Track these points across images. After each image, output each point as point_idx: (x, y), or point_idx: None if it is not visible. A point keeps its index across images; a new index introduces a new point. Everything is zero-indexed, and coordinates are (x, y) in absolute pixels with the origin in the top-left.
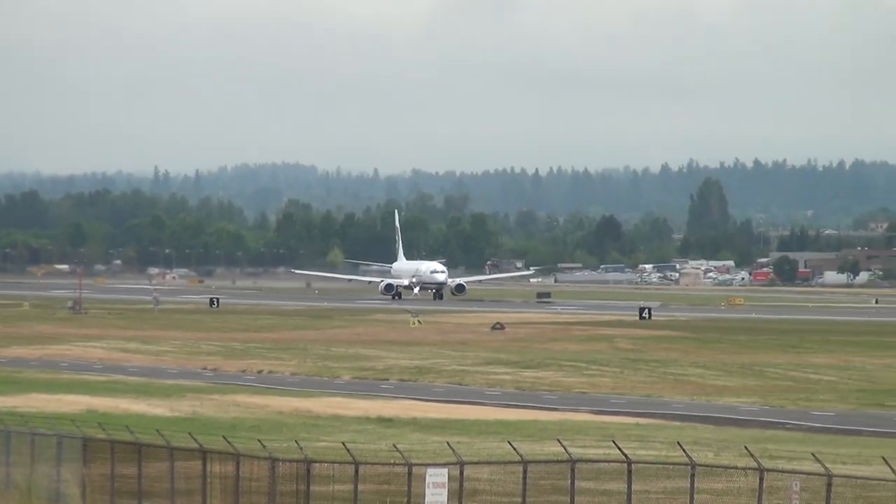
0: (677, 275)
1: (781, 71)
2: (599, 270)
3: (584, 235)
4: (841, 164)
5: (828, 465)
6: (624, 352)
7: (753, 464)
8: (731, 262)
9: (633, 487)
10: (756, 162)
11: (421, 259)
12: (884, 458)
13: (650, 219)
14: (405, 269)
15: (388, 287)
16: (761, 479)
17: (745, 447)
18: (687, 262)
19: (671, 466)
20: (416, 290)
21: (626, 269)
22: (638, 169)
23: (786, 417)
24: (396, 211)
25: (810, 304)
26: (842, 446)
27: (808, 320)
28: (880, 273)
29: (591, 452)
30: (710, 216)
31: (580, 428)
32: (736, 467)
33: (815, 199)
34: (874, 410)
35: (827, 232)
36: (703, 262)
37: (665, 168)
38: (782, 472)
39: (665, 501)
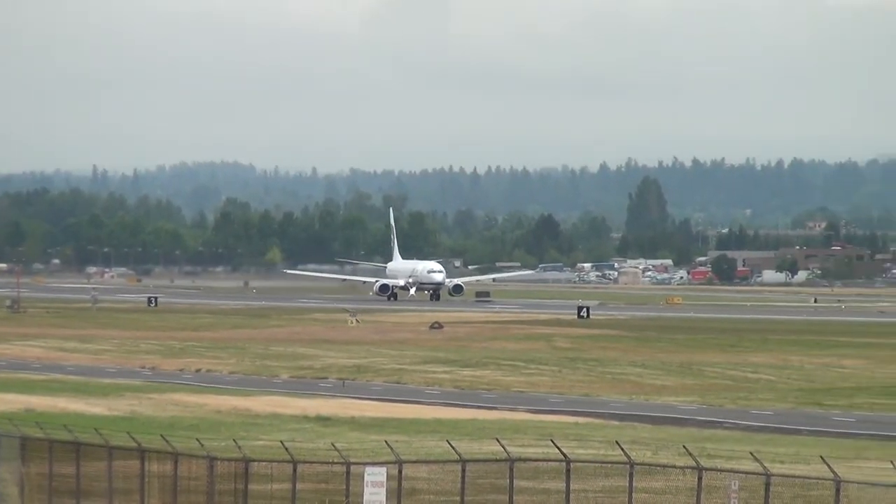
0: (616, 274)
1: (720, 71)
2: (538, 269)
3: (523, 234)
4: (779, 163)
5: (766, 465)
6: (562, 351)
7: (692, 463)
8: (669, 261)
9: (572, 486)
10: (695, 161)
11: (420, 259)
12: (822, 458)
13: (588, 218)
14: (401, 268)
15: (384, 287)
16: (700, 479)
17: (684, 446)
18: (625, 261)
19: (610, 465)
20: (413, 290)
21: (565, 269)
22: (576, 168)
23: (724, 416)
24: (392, 209)
25: (749, 304)
26: (780, 445)
27: (746, 319)
28: (818, 272)
29: (530, 451)
30: (648, 215)
31: (519, 427)
32: (675, 466)
33: (754, 198)
34: (812, 410)
35: (765, 231)
36: (642, 260)
37: (603, 167)
38: (721, 471)
39: (604, 500)
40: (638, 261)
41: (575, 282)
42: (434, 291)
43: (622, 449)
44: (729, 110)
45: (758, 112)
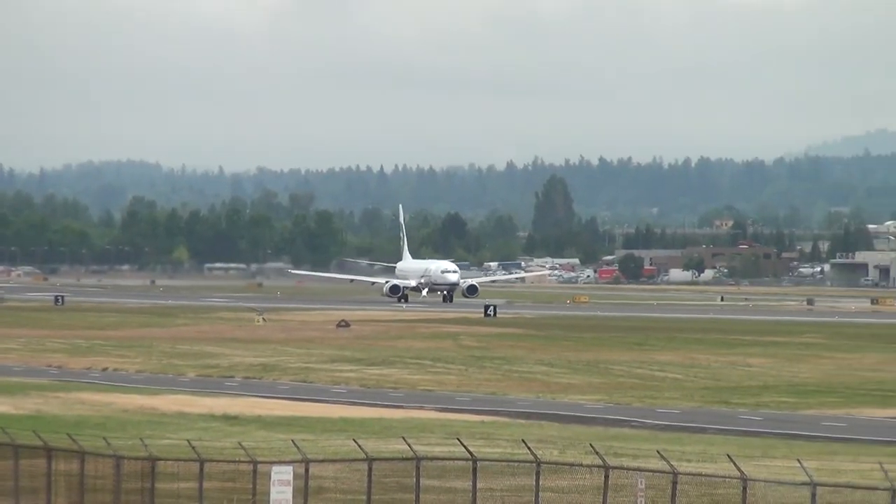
0: (522, 272)
1: (627, 70)
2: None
3: (430, 233)
4: (686, 161)
5: (673, 463)
6: (469, 349)
7: (598, 461)
8: (576, 260)
9: (479, 485)
10: (601, 160)
11: (431, 258)
12: (729, 456)
13: (495, 217)
14: (412, 268)
15: (394, 288)
16: (606, 477)
17: (591, 445)
18: (532, 260)
19: (516, 464)
20: (425, 291)
21: (472, 267)
22: (483, 167)
23: (631, 415)
24: (401, 206)
25: (655, 302)
26: (687, 444)
27: (653, 318)
28: (725, 271)
29: (437, 450)
30: (555, 214)
31: (425, 426)
32: (581, 465)
33: (661, 196)
34: (719, 408)
35: (672, 230)
36: (549, 259)
37: (510, 166)
38: (627, 469)
39: (510, 499)
40: (544, 260)
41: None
42: (448, 293)
43: (529, 448)
44: (636, 109)
45: (665, 111)
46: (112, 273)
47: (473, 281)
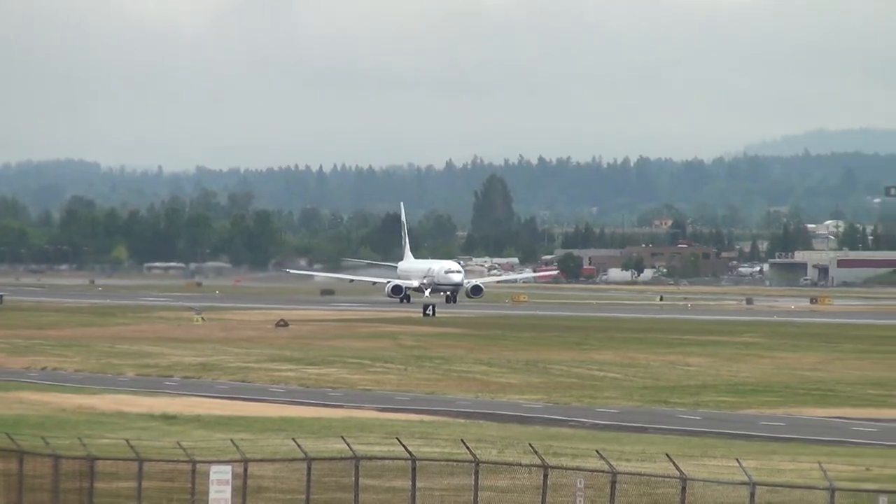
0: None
1: (566, 69)
2: (383, 267)
3: (368, 233)
4: (626, 161)
5: (612, 463)
6: (408, 349)
7: (538, 461)
8: (515, 260)
9: (418, 484)
10: (540, 159)
11: (436, 258)
12: (668, 455)
13: (434, 216)
14: (414, 268)
15: (396, 289)
16: (545, 477)
17: (530, 444)
18: (471, 260)
19: (455, 464)
20: (428, 292)
21: None
22: (422, 166)
23: (570, 414)
24: (402, 204)
25: (595, 302)
26: (626, 443)
27: (592, 317)
28: (664, 270)
29: (376, 449)
30: (494, 213)
31: (364, 425)
32: (520, 464)
33: (600, 196)
34: (658, 407)
35: (611, 229)
36: (488, 259)
37: (449, 165)
38: (566, 469)
39: (449, 498)
40: (483, 259)
41: None
42: (452, 293)
43: (468, 447)
44: (575, 108)
45: (604, 110)
46: (51, 272)
47: (478, 281)
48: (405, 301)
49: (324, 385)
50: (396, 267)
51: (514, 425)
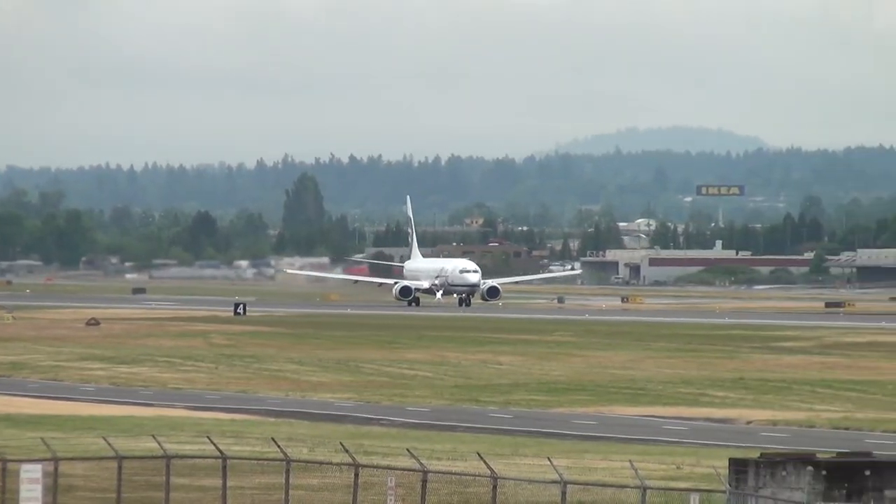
0: (272, 271)
1: (374, 68)
2: (195, 266)
3: (179, 232)
4: (437, 159)
5: (423, 461)
6: (219, 347)
7: (349, 460)
8: (326, 259)
9: (229, 483)
10: (352, 157)
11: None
12: (479, 454)
13: (245, 215)
14: (424, 268)
15: (405, 290)
16: (356, 475)
17: (341, 443)
18: (282, 258)
19: (266, 462)
20: (439, 294)
21: (221, 266)
22: (233, 165)
23: (381, 413)
24: (408, 198)
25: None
26: (437, 442)
27: (403, 315)
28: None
29: (187, 448)
30: (305, 212)
31: (175, 424)
32: (331, 463)
33: (411, 194)
34: (469, 406)
35: (423, 228)
36: (298, 258)
37: (260, 163)
38: (377, 467)
39: (260, 497)
40: (294, 258)
41: (232, 279)
42: (467, 295)
43: (279, 446)
44: (386, 107)
45: (415, 109)
46: None
47: (494, 282)
48: (414, 304)
49: (135, 384)
50: (403, 267)
51: (325, 424)
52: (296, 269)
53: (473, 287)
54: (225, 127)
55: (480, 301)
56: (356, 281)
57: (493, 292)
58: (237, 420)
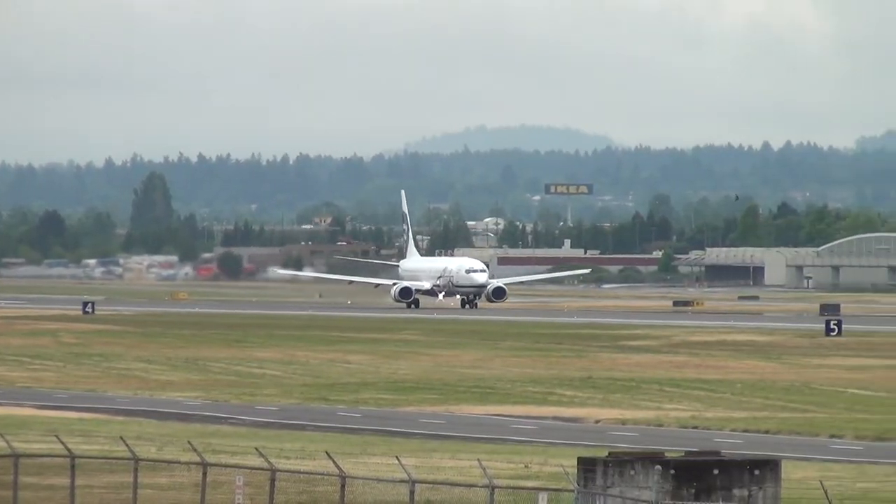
0: (121, 270)
1: (226, 66)
2: (43, 265)
3: (27, 231)
4: (285, 158)
5: (272, 460)
6: (68, 346)
7: (197, 458)
8: (174, 258)
9: (77, 482)
10: (200, 156)
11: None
12: (327, 453)
13: (94, 214)
14: (424, 268)
15: (405, 292)
16: (205, 474)
17: (189, 442)
18: (130, 258)
19: (115, 461)
20: (442, 295)
21: (69, 265)
22: (82, 163)
23: (230, 412)
24: (403, 192)
25: (255, 299)
26: (286, 441)
27: (252, 315)
28: (324, 268)
29: (35, 447)
30: (153, 211)
31: (23, 422)
32: (179, 462)
33: (259, 193)
34: (318, 405)
35: (271, 227)
36: (147, 257)
37: (109, 162)
38: (226, 466)
39: (109, 496)
40: (143, 257)
41: (80, 278)
42: (472, 296)
43: (127, 445)
44: (234, 106)
45: (264, 107)
46: None
47: (500, 282)
48: (414, 306)
49: None
50: (398, 266)
51: (173, 423)
52: (144, 267)
53: (481, 287)
54: (74, 125)
55: (487, 303)
56: (350, 282)
57: (498, 293)
58: (86, 419)
